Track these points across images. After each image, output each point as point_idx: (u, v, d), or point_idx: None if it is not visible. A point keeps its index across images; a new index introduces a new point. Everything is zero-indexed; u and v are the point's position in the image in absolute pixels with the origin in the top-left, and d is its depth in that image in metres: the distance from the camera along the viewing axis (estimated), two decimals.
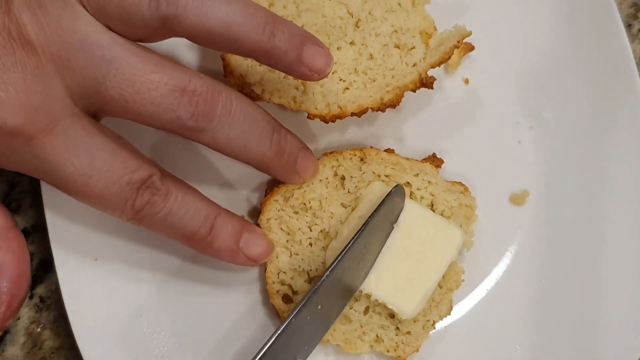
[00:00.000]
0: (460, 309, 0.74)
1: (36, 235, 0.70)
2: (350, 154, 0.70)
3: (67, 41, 0.53)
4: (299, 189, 0.68)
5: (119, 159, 0.56)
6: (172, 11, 0.54)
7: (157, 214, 0.58)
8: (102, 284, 0.68)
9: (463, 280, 0.71)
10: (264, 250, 0.66)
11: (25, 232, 0.71)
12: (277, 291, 0.68)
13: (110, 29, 0.55)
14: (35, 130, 0.53)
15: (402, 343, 0.69)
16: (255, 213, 0.71)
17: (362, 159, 0.70)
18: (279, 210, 0.68)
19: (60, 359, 0.71)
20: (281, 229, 0.69)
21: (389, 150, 0.71)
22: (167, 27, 0.56)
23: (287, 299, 0.69)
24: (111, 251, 0.69)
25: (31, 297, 0.71)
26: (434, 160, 0.72)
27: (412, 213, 0.68)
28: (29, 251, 0.68)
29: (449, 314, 0.71)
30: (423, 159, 0.72)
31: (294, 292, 0.69)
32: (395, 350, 0.69)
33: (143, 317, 0.69)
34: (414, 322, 0.69)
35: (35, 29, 0.53)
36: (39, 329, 0.71)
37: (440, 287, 0.70)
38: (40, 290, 0.72)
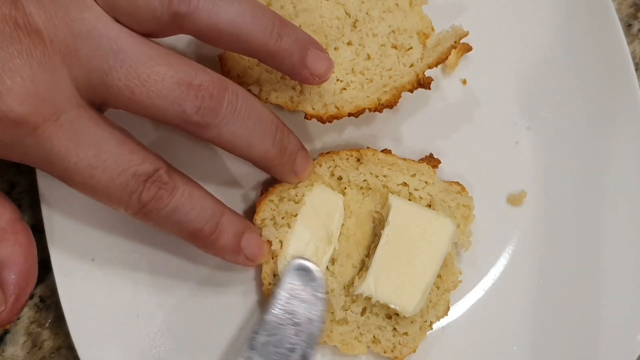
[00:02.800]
0: (457, 310, 0.74)
1: (36, 235, 0.70)
2: (346, 155, 0.70)
3: (75, 31, 0.53)
4: (294, 188, 0.68)
5: (125, 150, 0.56)
6: (184, 9, 0.55)
7: (163, 208, 0.58)
8: (99, 284, 0.68)
9: (460, 281, 0.71)
10: (263, 251, 0.66)
11: None
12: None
13: (118, 21, 0.55)
14: (40, 120, 0.52)
15: (399, 344, 0.69)
16: (251, 212, 0.70)
17: (358, 160, 0.70)
18: (273, 210, 0.68)
19: (60, 359, 0.72)
20: (275, 229, 0.68)
21: (386, 151, 0.71)
22: (177, 24, 0.56)
23: None
24: (108, 251, 0.69)
25: (31, 297, 0.71)
26: (431, 161, 0.72)
27: (400, 210, 0.68)
28: None
29: (446, 314, 0.70)
30: (420, 160, 0.72)
31: None
32: (392, 351, 0.69)
33: (140, 317, 0.69)
34: (411, 322, 0.69)
35: (43, 18, 0.52)
36: (39, 329, 0.72)
37: (438, 287, 0.70)
38: (40, 290, 0.72)
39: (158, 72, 0.55)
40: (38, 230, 0.68)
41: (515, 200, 0.75)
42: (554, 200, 0.76)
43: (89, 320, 0.67)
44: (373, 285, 0.66)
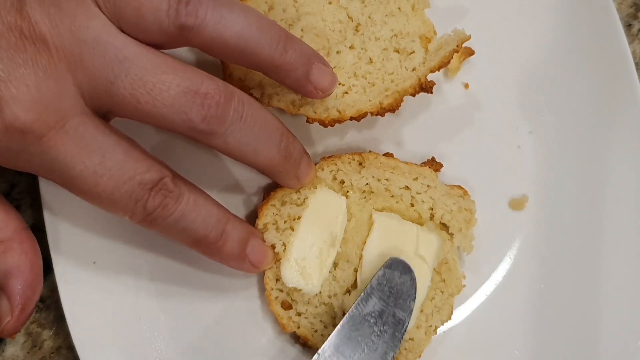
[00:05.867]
0: (459, 314, 0.74)
1: (36, 235, 0.70)
2: (349, 158, 0.70)
3: (80, 39, 0.53)
4: (296, 192, 0.68)
5: (130, 158, 0.56)
6: (191, 21, 0.55)
7: (168, 216, 0.58)
8: (101, 288, 0.68)
9: (464, 286, 0.71)
10: (268, 257, 0.66)
11: None
12: (276, 297, 0.68)
13: (123, 31, 0.55)
14: (46, 128, 0.52)
15: (405, 349, 0.69)
16: (253, 217, 0.70)
17: (360, 163, 0.70)
18: (275, 215, 0.68)
19: (60, 359, 0.71)
20: (278, 233, 0.68)
21: (388, 154, 0.71)
22: (183, 37, 0.56)
23: (286, 305, 0.69)
24: (109, 255, 0.69)
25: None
26: (433, 164, 0.72)
27: (383, 226, 0.69)
28: None
29: (450, 318, 0.71)
30: (422, 163, 0.72)
31: (293, 300, 0.69)
32: (397, 357, 0.69)
33: (141, 321, 0.69)
34: (417, 328, 0.69)
35: (48, 26, 0.52)
36: (39, 329, 0.71)
37: (442, 292, 0.70)
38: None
39: (164, 81, 0.55)
40: (38, 230, 0.68)
41: (517, 204, 0.75)
42: (556, 205, 0.76)
43: (90, 323, 0.67)
44: None
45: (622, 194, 0.75)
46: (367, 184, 0.70)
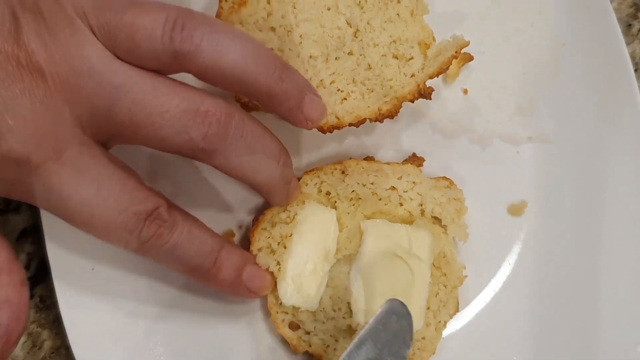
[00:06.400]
0: (458, 321, 0.73)
1: (35, 235, 0.71)
2: (330, 169, 0.69)
3: (76, 68, 0.53)
4: (284, 211, 0.68)
5: (126, 189, 0.56)
6: (186, 48, 0.54)
7: (163, 245, 0.58)
8: (99, 294, 0.68)
9: (466, 276, 0.70)
10: (266, 283, 0.66)
11: (25, 232, 0.71)
12: (283, 320, 0.68)
13: (118, 57, 0.55)
14: (42, 159, 0.52)
15: (419, 349, 0.69)
16: (245, 240, 0.70)
17: (343, 172, 0.69)
18: (268, 238, 0.68)
19: (60, 358, 0.72)
20: (272, 255, 0.68)
21: (368, 158, 0.71)
22: (178, 63, 0.55)
23: (294, 326, 0.68)
24: (109, 262, 0.69)
25: (31, 297, 0.71)
26: (415, 160, 0.72)
27: (373, 233, 0.68)
28: (29, 251, 0.70)
29: (458, 310, 0.71)
30: (404, 161, 0.72)
31: (299, 320, 0.68)
32: (412, 357, 0.69)
33: (140, 328, 0.68)
34: (427, 326, 0.69)
35: (44, 55, 0.52)
36: (39, 329, 0.72)
37: (445, 286, 0.70)
38: (40, 290, 0.71)
39: (163, 103, 0.55)
40: (37, 231, 0.68)
41: (516, 210, 0.75)
42: (555, 211, 0.75)
43: (88, 330, 0.67)
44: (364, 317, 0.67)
45: (622, 199, 0.74)
46: (353, 191, 0.69)
